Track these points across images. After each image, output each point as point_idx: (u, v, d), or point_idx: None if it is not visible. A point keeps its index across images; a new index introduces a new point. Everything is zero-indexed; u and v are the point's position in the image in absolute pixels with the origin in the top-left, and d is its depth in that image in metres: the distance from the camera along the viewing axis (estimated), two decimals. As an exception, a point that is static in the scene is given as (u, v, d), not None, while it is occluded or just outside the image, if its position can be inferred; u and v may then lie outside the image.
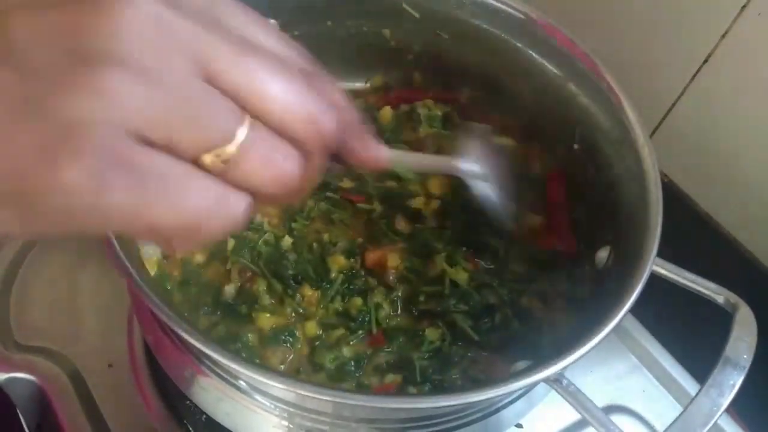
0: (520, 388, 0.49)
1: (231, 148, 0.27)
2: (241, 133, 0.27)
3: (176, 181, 0.26)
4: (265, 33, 0.29)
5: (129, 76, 0.24)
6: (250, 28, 0.29)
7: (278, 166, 0.28)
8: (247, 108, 0.27)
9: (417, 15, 0.67)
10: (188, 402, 0.60)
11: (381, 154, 0.36)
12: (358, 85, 0.74)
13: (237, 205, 0.28)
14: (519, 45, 0.65)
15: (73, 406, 0.62)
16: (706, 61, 0.68)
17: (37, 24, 0.25)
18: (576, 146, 0.64)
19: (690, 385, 0.69)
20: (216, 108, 0.27)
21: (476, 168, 0.50)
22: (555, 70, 0.63)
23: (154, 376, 0.64)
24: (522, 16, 0.63)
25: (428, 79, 0.73)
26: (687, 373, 0.70)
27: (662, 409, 0.68)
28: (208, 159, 0.27)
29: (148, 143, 0.25)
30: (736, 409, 0.67)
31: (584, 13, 0.77)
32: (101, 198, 0.25)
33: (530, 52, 0.64)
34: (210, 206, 0.27)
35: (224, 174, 0.27)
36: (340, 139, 0.32)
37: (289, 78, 0.28)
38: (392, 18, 0.68)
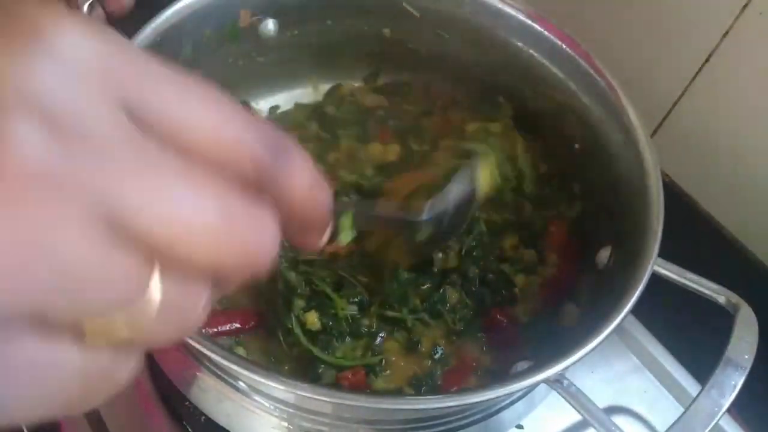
0: (521, 389, 0.49)
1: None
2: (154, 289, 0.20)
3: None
4: (203, 109, 0.21)
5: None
6: (181, 106, 0.21)
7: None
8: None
9: (417, 14, 0.67)
10: (188, 403, 0.60)
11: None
12: (357, 84, 0.74)
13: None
14: (519, 45, 0.64)
15: (73, 406, 0.62)
16: (707, 60, 0.68)
17: None
18: (576, 146, 0.64)
19: (691, 385, 0.69)
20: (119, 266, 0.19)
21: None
22: (555, 70, 0.63)
23: (154, 377, 0.64)
24: (522, 16, 0.63)
25: (428, 79, 0.73)
26: (688, 373, 0.69)
27: (663, 409, 0.68)
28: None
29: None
30: (737, 409, 0.67)
31: (584, 13, 0.76)
32: None
33: (530, 52, 0.64)
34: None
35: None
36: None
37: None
38: (392, 18, 0.68)
